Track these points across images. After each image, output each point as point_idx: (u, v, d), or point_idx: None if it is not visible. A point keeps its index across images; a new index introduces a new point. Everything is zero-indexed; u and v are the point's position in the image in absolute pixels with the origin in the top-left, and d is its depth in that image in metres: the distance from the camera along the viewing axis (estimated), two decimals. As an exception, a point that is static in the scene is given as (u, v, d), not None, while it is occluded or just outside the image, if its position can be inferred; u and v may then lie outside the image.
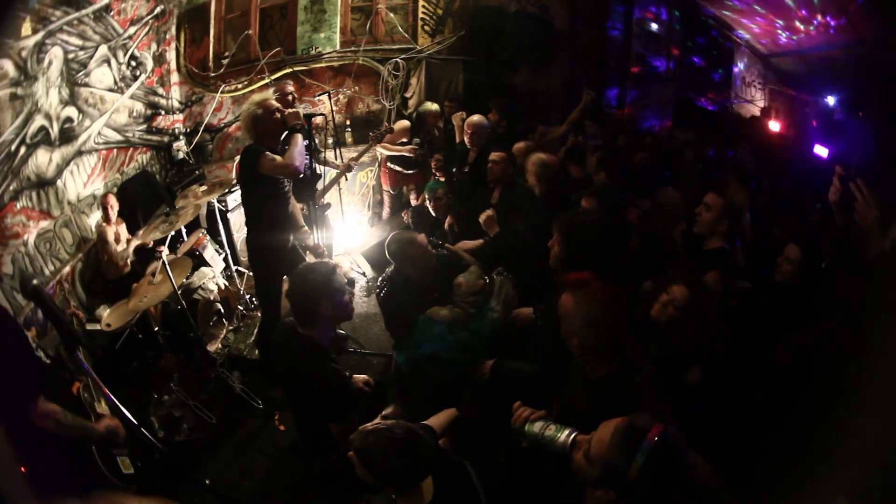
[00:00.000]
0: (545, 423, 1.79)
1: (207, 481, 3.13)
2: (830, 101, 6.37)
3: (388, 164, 5.63)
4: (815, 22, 5.29)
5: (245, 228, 4.06)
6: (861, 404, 1.74)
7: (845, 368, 2.00)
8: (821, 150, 6.28)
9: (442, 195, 4.66)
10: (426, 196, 4.85)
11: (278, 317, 3.73)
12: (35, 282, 1.97)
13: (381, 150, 5.48)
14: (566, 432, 1.71)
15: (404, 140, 5.33)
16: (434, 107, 5.29)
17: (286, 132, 3.61)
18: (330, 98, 5.62)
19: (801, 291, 2.86)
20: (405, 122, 5.48)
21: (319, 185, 5.04)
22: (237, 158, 4.00)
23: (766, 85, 7.32)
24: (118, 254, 4.81)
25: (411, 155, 5.31)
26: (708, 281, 2.87)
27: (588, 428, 1.63)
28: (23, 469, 1.77)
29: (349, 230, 6.03)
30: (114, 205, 4.89)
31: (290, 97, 4.84)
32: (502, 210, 4.13)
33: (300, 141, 3.56)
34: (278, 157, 3.43)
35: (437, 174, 5.26)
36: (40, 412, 2.08)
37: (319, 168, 5.03)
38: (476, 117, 4.87)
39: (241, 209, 4.27)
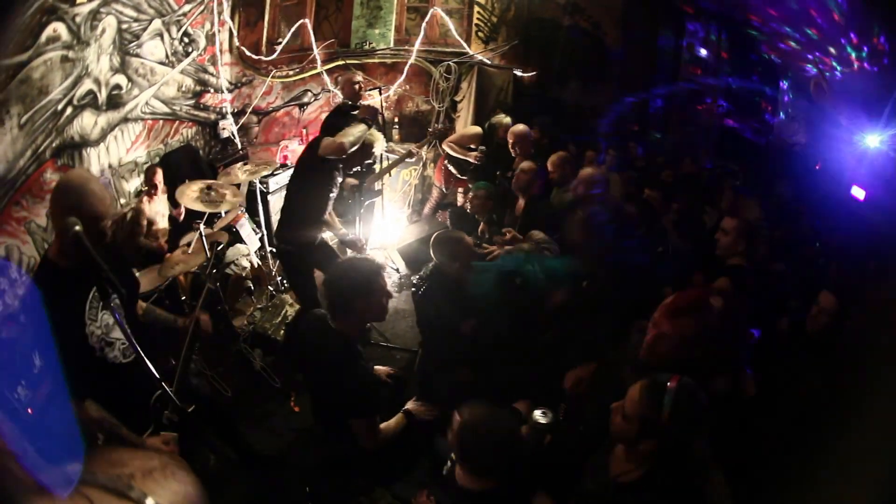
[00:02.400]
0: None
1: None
2: (872, 141, 6.19)
3: (446, 162, 5.66)
4: (865, 49, 5.10)
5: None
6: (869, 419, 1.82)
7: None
8: (857, 192, 6.12)
9: (481, 195, 4.58)
10: (470, 190, 4.82)
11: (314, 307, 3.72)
12: (77, 228, 1.95)
13: (447, 149, 5.49)
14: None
15: (472, 146, 5.34)
16: (506, 120, 5.24)
17: (353, 119, 3.68)
18: (380, 94, 5.62)
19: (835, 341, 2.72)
20: (478, 129, 5.48)
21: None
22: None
23: (808, 120, 7.18)
24: (154, 231, 4.83)
25: (474, 161, 5.29)
26: (719, 286, 2.94)
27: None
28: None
29: (387, 226, 6.06)
30: (159, 179, 4.76)
31: (357, 86, 5.00)
32: (524, 223, 4.13)
33: (360, 131, 3.58)
34: (334, 139, 3.49)
35: (476, 160, 5.27)
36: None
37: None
38: (520, 126, 4.87)
39: (282, 193, 4.30)
